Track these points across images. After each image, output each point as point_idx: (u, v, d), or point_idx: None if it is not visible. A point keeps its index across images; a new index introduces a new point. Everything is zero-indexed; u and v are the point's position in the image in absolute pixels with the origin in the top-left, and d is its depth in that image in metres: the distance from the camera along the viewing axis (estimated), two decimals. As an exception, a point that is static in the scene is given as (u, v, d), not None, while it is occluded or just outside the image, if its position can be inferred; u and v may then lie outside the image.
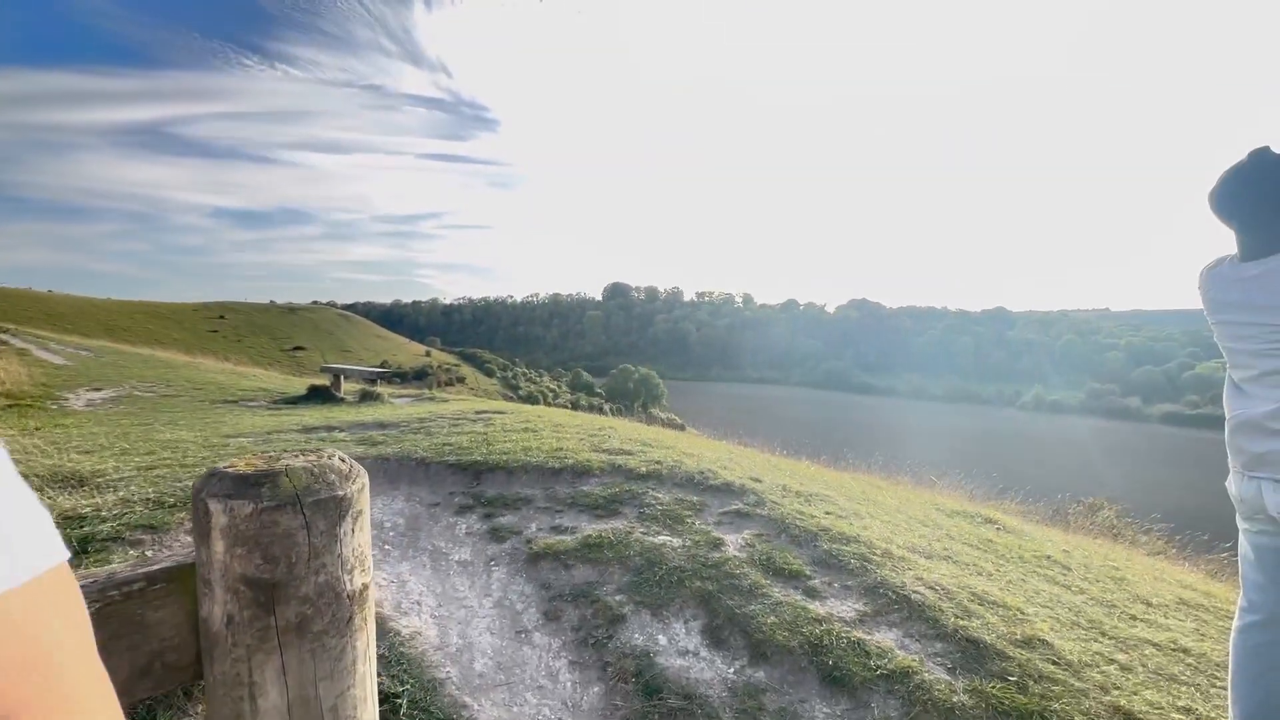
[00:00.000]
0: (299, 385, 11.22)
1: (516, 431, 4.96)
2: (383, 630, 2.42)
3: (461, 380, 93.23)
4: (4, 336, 14.79)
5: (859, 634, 2.40)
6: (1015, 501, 8.94)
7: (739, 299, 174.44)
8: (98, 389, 9.02)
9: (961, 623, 2.44)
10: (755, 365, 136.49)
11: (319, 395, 9.63)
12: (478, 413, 6.18)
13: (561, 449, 4.32)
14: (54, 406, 7.28)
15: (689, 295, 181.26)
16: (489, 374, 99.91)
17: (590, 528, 3.27)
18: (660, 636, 2.53)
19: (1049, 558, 3.76)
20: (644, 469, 3.96)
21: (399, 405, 8.42)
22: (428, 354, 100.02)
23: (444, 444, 4.37)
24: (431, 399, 10.23)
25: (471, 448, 4.26)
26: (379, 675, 2.21)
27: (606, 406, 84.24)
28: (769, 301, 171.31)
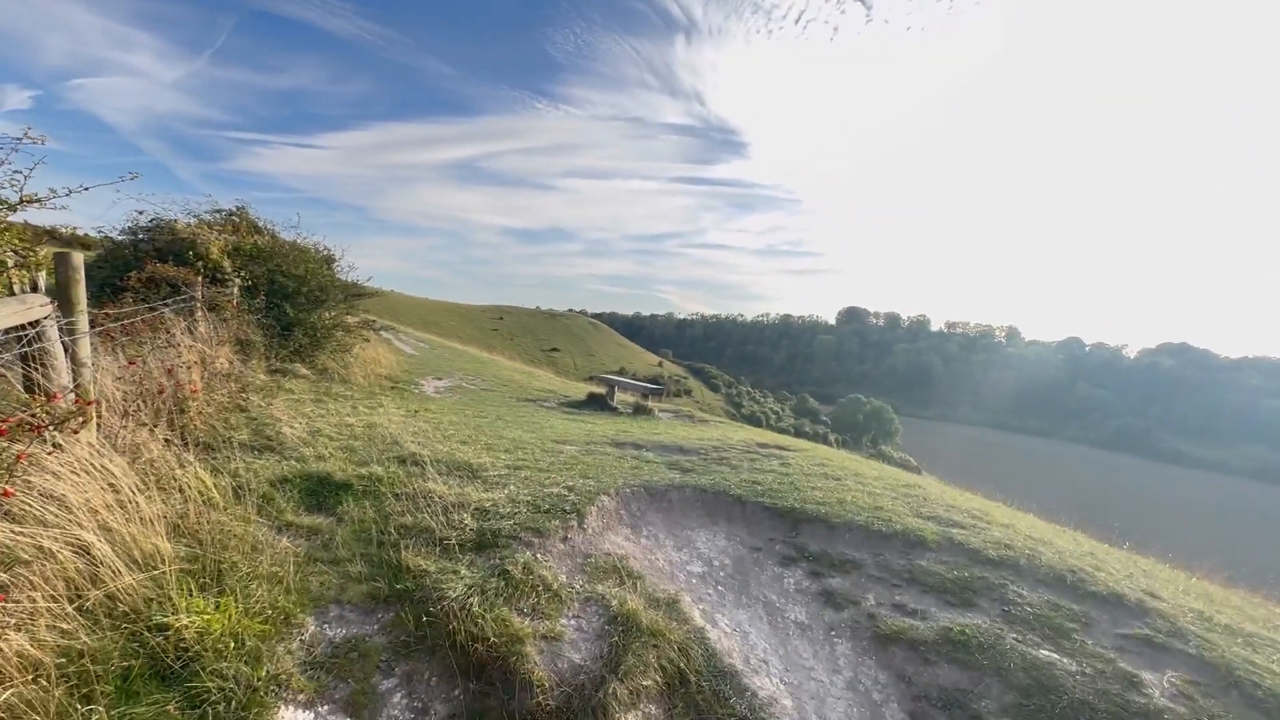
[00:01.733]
0: (576, 390, 12.57)
1: (818, 477, 4.71)
2: (738, 687, 2.35)
3: (689, 393, 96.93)
4: (382, 331, 19.35)
5: None
6: None
7: (1000, 333, 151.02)
8: (439, 378, 11.17)
9: None
10: (1018, 412, 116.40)
11: (596, 402, 10.61)
12: (761, 445, 6.09)
13: (880, 508, 3.94)
14: (415, 390, 9.15)
15: (937, 325, 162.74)
16: (714, 389, 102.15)
17: (945, 617, 2.85)
18: (1081, 795, 2.03)
19: None
20: (993, 552, 3.39)
21: (668, 422, 8.82)
22: (660, 364, 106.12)
23: (752, 481, 4.32)
24: (691, 418, 10.55)
25: (781, 490, 4.13)
26: (749, 740, 2.12)
27: (832, 436, 79.85)
28: (1041, 338, 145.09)
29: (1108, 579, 3.24)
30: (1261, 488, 78.69)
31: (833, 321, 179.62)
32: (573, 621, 2.48)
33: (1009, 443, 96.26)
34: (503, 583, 2.53)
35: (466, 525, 2.99)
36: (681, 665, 2.37)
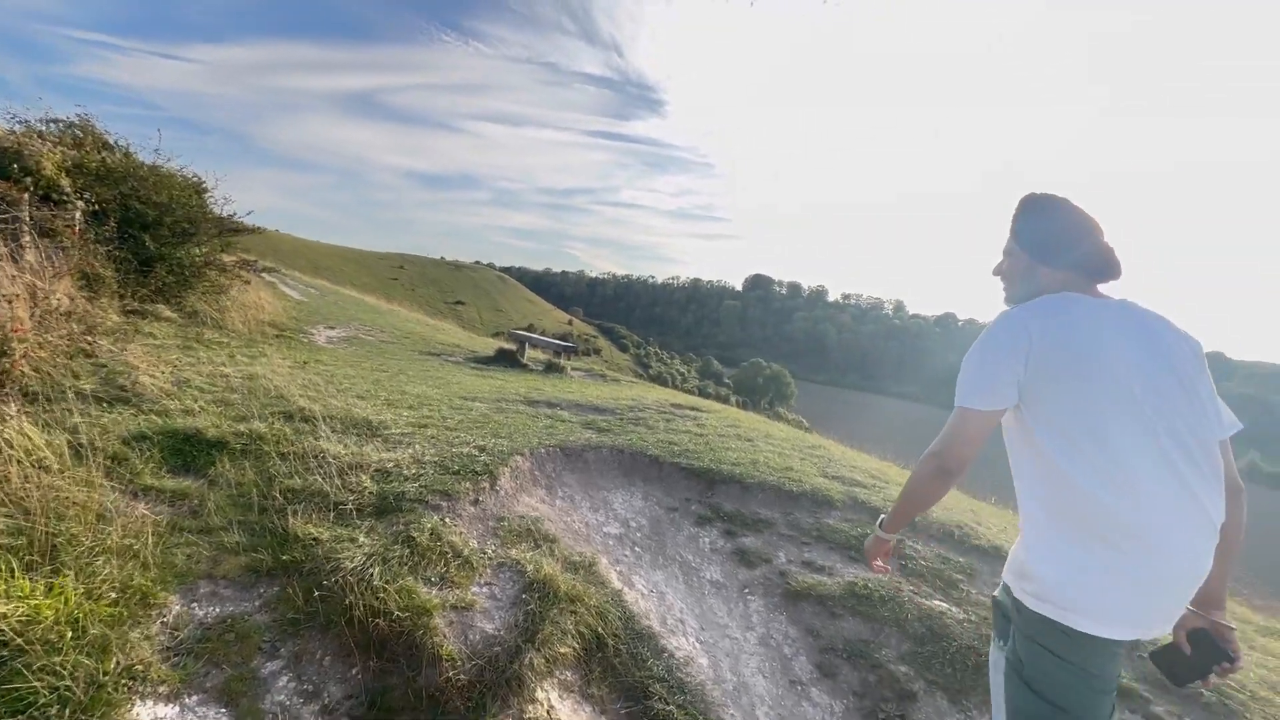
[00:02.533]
0: (484, 345, 12.08)
1: (732, 438, 4.78)
2: (655, 648, 2.33)
3: (598, 352, 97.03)
4: (265, 274, 17.49)
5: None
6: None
7: (889, 305, 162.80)
8: (331, 327, 10.29)
9: None
10: (899, 378, 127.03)
11: (506, 359, 10.25)
12: (676, 406, 6.11)
13: (790, 469, 4.06)
14: (304, 340, 8.36)
15: (834, 296, 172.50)
16: (623, 349, 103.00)
17: (849, 573, 2.98)
18: (967, 732, 2.19)
19: None
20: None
21: (580, 380, 8.69)
22: (570, 323, 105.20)
23: (668, 442, 4.30)
24: (604, 378, 10.48)
25: (697, 451, 4.14)
26: (666, 701, 2.11)
27: (734, 398, 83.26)
28: (923, 312, 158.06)
29: (986, 533, 3.54)
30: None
31: (740, 287, 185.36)
32: (485, 589, 2.34)
33: (891, 409, 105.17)
34: (407, 550, 2.33)
35: (365, 488, 2.72)
36: (599, 630, 2.30)
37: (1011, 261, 1.51)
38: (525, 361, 10.10)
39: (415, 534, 2.42)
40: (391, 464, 3.00)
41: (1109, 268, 1.42)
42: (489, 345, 12.00)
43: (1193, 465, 1.25)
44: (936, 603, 2.78)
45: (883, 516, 1.61)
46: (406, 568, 2.25)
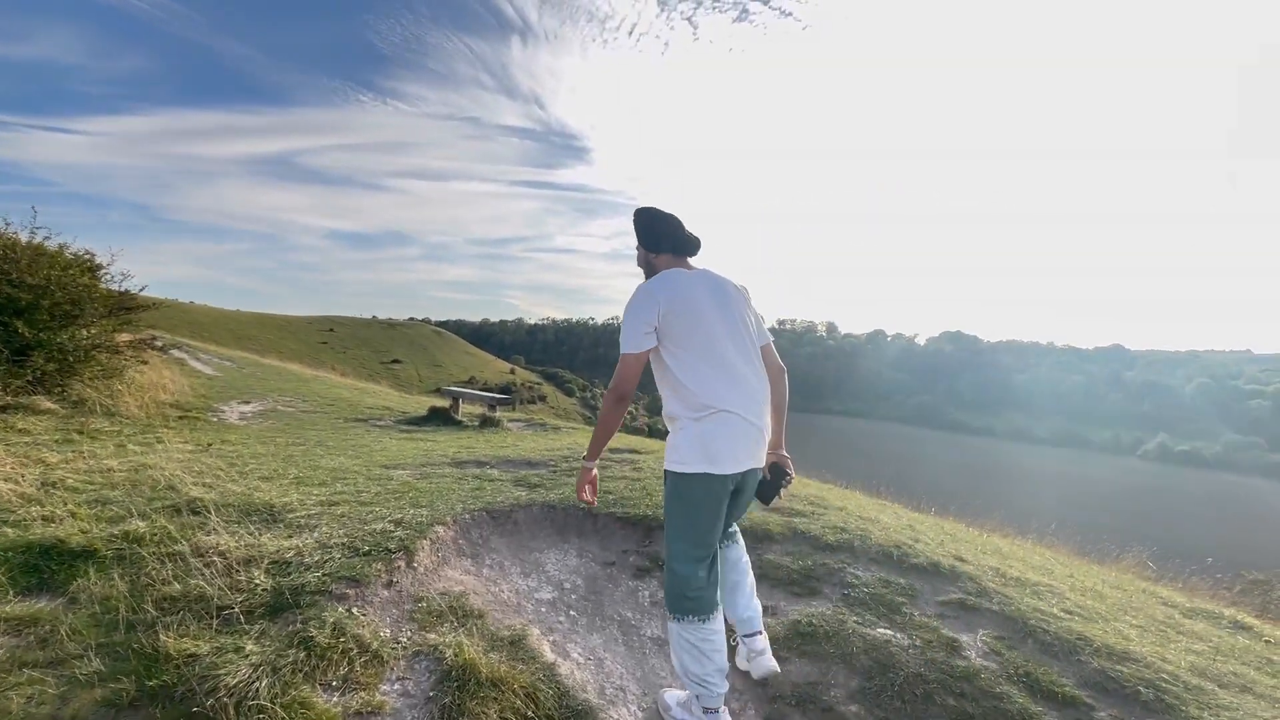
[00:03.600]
0: (417, 405, 11.60)
1: (669, 479, 4.68)
2: (594, 724, 2.15)
3: (543, 399, 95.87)
4: (172, 350, 16.37)
5: (1204, 806, 1.87)
6: (1168, 569, 7.80)
7: (822, 328, 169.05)
8: (246, 401, 9.64)
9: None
10: (839, 396, 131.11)
11: (439, 417, 9.85)
12: (613, 450, 5.96)
13: (729, 505, 3.98)
14: (214, 419, 7.77)
15: (770, 323, 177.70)
16: (569, 393, 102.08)
17: (793, 610, 2.89)
18: (921, 770, 2.10)
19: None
20: (830, 538, 3.55)
21: (518, 433, 8.42)
22: (512, 371, 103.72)
23: (603, 491, 4.14)
24: (544, 426, 10.23)
25: (634, 498, 4.01)
26: (606, 786, 1.93)
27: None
28: (854, 331, 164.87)
29: (925, 549, 3.54)
30: (1018, 446, 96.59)
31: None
32: (397, 686, 2.10)
33: (838, 426, 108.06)
34: (304, 653, 2.07)
35: (258, 585, 2.44)
36: (529, 713, 2.10)
37: (639, 254, 2.35)
38: (460, 418, 9.75)
39: (314, 632, 2.17)
40: (291, 552, 2.72)
41: (689, 247, 2.29)
42: (422, 404, 11.55)
43: (750, 365, 2.13)
44: (881, 631, 2.71)
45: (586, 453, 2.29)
46: (302, 674, 1.99)
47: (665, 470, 2.16)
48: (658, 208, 2.31)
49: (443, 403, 10.46)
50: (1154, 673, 2.49)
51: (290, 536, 2.92)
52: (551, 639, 2.65)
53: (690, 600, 2.07)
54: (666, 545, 2.14)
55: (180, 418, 7.26)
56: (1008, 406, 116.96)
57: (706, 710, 2.11)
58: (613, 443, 6.77)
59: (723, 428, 2.01)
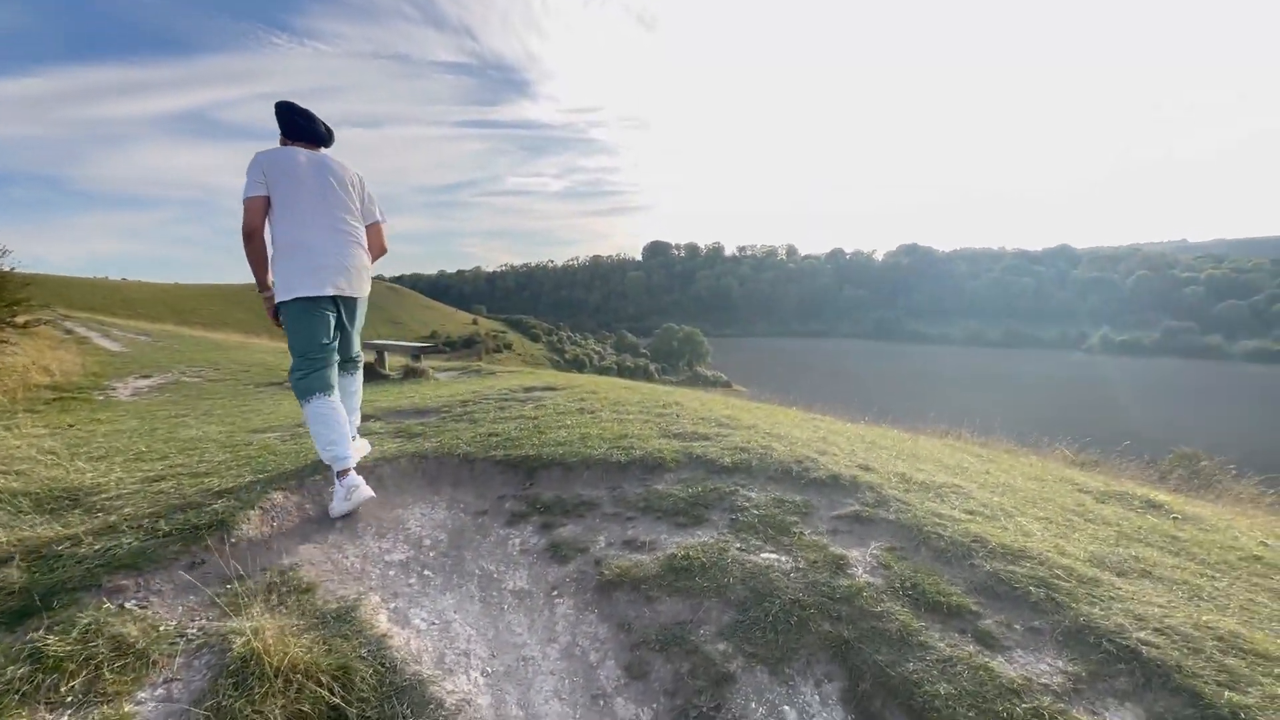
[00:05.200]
0: (344, 363, 10.99)
1: (571, 414, 4.33)
2: (420, 701, 1.85)
3: (509, 347, 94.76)
4: (68, 325, 15.13)
5: (1082, 716, 1.68)
6: (1098, 455, 8.07)
7: (782, 252, 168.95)
8: (146, 376, 8.90)
9: (1234, 697, 1.68)
10: (801, 318, 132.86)
11: (364, 372, 9.31)
12: (527, 390, 5.58)
13: (626, 435, 3.66)
14: (100, 397, 7.10)
15: (730, 250, 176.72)
16: (534, 339, 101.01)
17: (673, 542, 2.62)
18: (786, 708, 1.87)
19: (1260, 559, 2.91)
20: (728, 459, 3.27)
21: (445, 381, 7.97)
22: (474, 322, 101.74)
23: (490, 434, 3.78)
24: (479, 372, 9.78)
25: (521, 438, 3.65)
26: (418, 773, 1.64)
27: (652, 367, 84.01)
28: (814, 252, 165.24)
29: (829, 462, 3.30)
30: (971, 350, 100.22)
31: (640, 258, 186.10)
32: (160, 691, 1.74)
33: (799, 347, 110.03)
34: (28, 669, 1.68)
35: (9, 586, 2.02)
36: (337, 699, 1.78)
37: (280, 140, 2.91)
38: (386, 372, 9.22)
39: (52, 640, 1.77)
40: (66, 543, 2.29)
41: (319, 139, 2.97)
42: (350, 362, 10.93)
43: (334, 221, 2.83)
44: (765, 556, 2.46)
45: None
46: (20, 695, 1.61)
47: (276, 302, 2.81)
48: (295, 103, 2.90)
49: (367, 357, 9.87)
50: (1048, 569, 2.30)
51: (80, 523, 2.48)
52: (393, 606, 2.32)
53: (312, 384, 2.78)
54: (291, 361, 2.85)
55: (55, 399, 6.58)
56: (962, 313, 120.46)
57: (340, 474, 2.76)
58: (531, 381, 6.38)
59: (303, 262, 2.71)
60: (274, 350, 14.46)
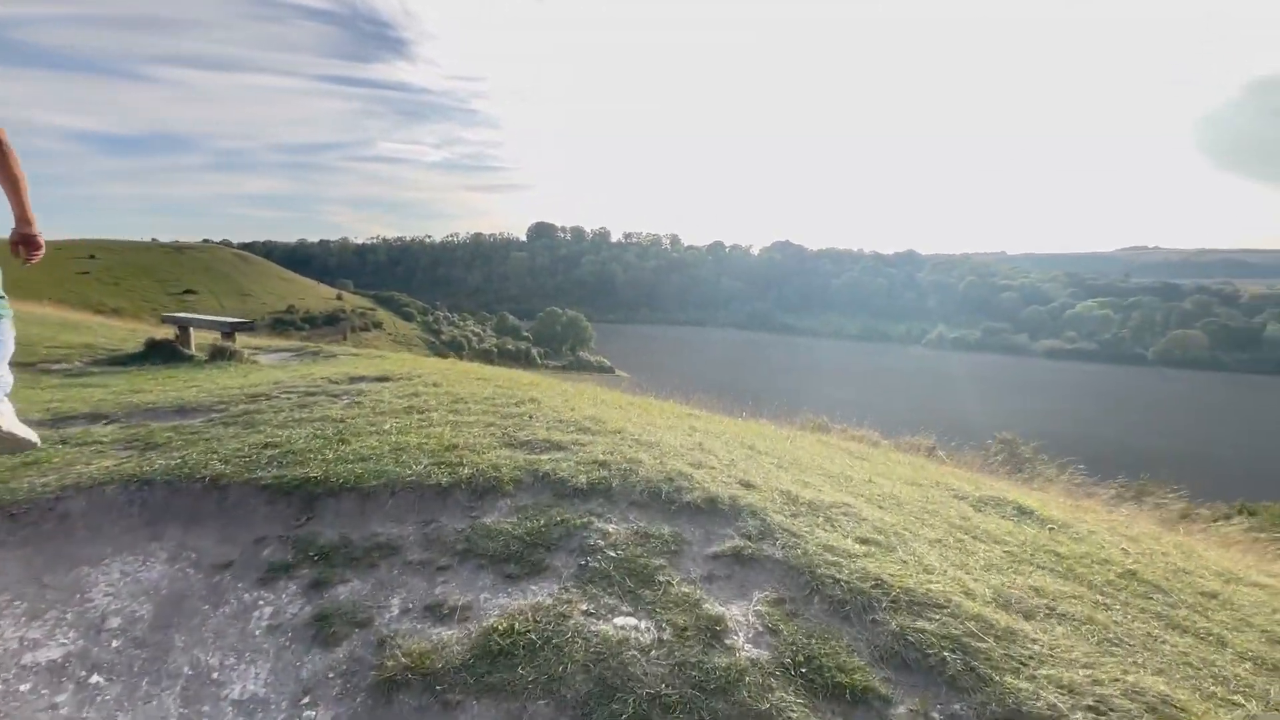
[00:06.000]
0: (138, 341, 8.91)
1: (394, 414, 3.42)
2: None
3: (378, 325, 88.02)
4: None
5: None
6: (931, 439, 8.57)
7: (666, 240, 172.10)
8: None
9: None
10: (683, 306, 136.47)
11: (161, 353, 7.55)
12: (352, 380, 4.54)
13: (456, 446, 2.85)
14: None
15: (616, 236, 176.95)
16: (408, 318, 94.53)
17: (496, 605, 1.89)
18: None
19: (1135, 575, 2.77)
20: (584, 478, 2.59)
21: (262, 366, 6.57)
22: (339, 297, 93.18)
23: (265, 445, 2.79)
24: (316, 355, 8.34)
25: (309, 451, 2.72)
26: None
27: (534, 351, 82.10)
28: (696, 243, 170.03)
29: (706, 478, 2.74)
30: (834, 343, 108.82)
31: (524, 238, 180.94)
32: None
33: (679, 335, 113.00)
34: None
35: None
36: None
37: None
38: (190, 351, 7.53)
39: None
40: None
41: None
42: (149, 337, 8.91)
43: None
44: (620, 622, 1.82)
45: None
46: None
47: None
48: None
49: (166, 332, 8.05)
50: (960, 623, 1.87)
51: None
52: (4, 754, 1.38)
53: None
54: None
55: None
56: (827, 308, 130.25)
57: None
58: (368, 368, 5.32)
59: None
60: (56, 322, 11.65)
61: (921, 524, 2.83)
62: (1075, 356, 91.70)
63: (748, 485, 2.77)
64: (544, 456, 2.80)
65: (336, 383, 4.39)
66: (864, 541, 2.37)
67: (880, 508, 2.92)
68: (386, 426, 3.12)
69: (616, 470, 2.67)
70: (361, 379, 4.58)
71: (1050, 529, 3.27)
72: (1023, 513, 3.55)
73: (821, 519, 2.53)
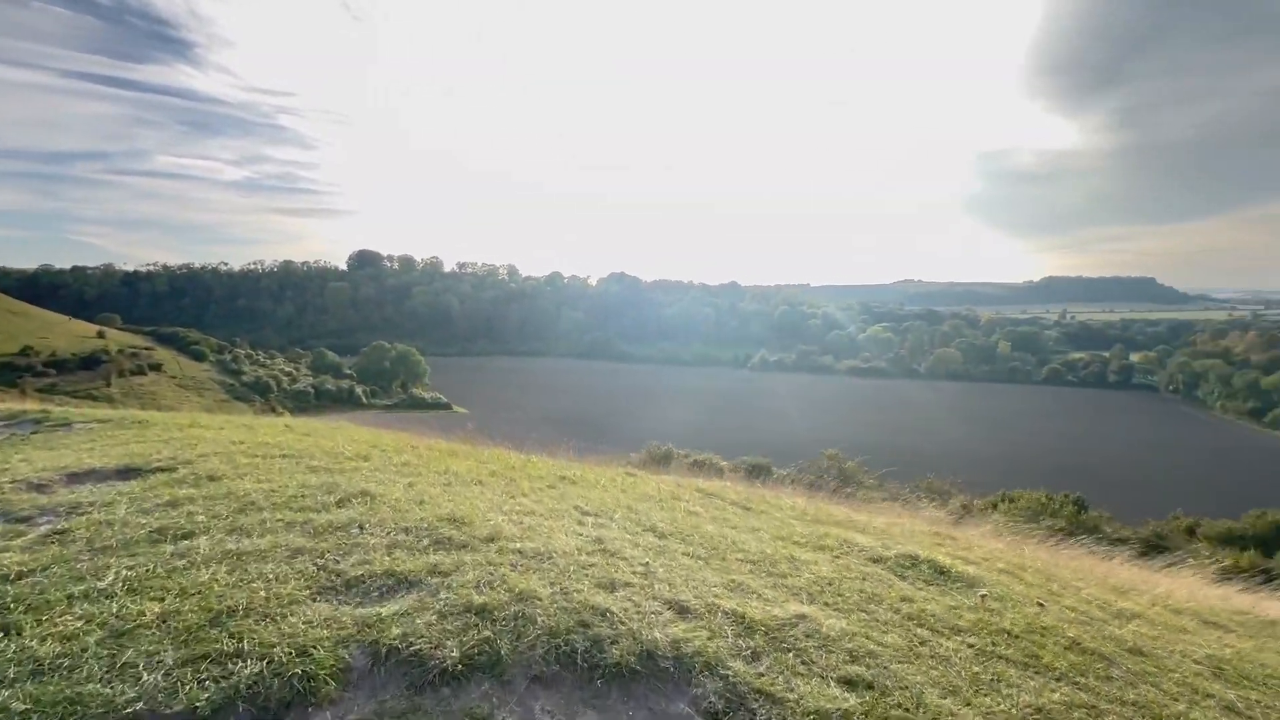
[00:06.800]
0: None
1: (127, 550, 2.15)
2: None
3: (157, 367, 74.04)
4: None
5: None
6: (766, 458, 8.75)
7: (504, 271, 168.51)
8: None
9: None
10: (523, 337, 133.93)
11: None
12: (70, 479, 3.05)
13: (233, 610, 1.75)
14: None
15: (450, 266, 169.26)
16: (198, 358, 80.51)
17: None
18: None
19: (1079, 644, 2.56)
20: (454, 645, 1.65)
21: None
22: (101, 335, 76.84)
23: None
24: (36, 424, 6.11)
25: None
26: None
27: (359, 389, 74.33)
28: (534, 274, 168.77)
29: (627, 609, 1.98)
30: (669, 368, 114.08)
31: (344, 267, 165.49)
32: None
33: (521, 366, 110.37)
34: None
35: None
36: None
37: None
38: None
39: None
40: None
41: None
42: None
43: None
44: None
45: None
46: None
47: None
48: None
49: None
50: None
51: None
52: None
53: None
54: None
55: None
56: (662, 336, 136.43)
57: None
58: (103, 454, 3.75)
59: None
60: None
61: (878, 625, 2.35)
62: (870, 374, 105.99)
63: (682, 610, 2.07)
64: (387, 609, 1.84)
65: (41, 487, 2.89)
66: (849, 684, 1.79)
67: (830, 608, 2.40)
68: (107, 581, 1.91)
69: (503, 621, 1.81)
70: (88, 475, 3.10)
71: (983, 595, 3.02)
72: (940, 573, 3.30)
73: (790, 655, 1.90)
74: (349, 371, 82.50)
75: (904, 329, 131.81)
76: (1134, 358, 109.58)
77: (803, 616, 2.18)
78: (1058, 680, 2.19)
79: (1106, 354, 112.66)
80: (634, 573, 2.33)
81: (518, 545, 2.40)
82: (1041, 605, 3.12)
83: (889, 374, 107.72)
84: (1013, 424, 70.96)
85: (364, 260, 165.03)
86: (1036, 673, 2.22)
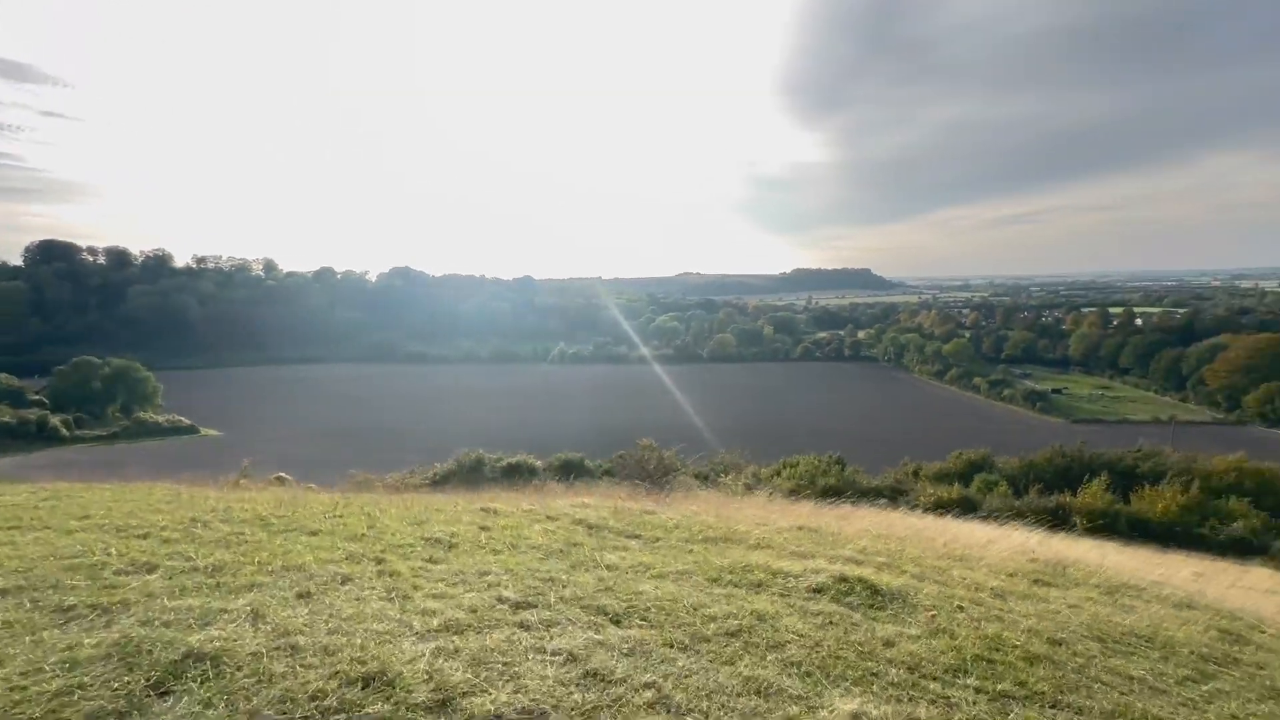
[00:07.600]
0: None
1: None
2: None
3: None
4: None
5: None
6: (579, 453, 8.88)
7: (258, 266, 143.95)
8: None
9: None
10: (290, 343, 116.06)
11: None
12: None
13: None
14: None
15: (184, 260, 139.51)
16: None
17: None
18: None
19: (1038, 657, 2.75)
20: None
21: None
22: None
23: None
24: None
25: None
26: None
27: (55, 419, 57.34)
28: (298, 269, 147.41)
29: None
30: (467, 367, 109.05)
31: (19, 262, 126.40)
32: None
33: (289, 376, 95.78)
34: None
35: None
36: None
37: None
38: None
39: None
40: None
41: None
42: None
43: None
44: None
45: None
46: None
47: None
48: None
49: None
50: None
51: None
52: None
53: None
54: None
55: None
56: (457, 334, 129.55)
57: None
58: None
59: None
60: None
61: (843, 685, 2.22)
62: (661, 360, 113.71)
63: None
64: None
65: None
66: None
67: (861, 694, 2.20)
68: None
69: None
70: None
71: (932, 614, 3.12)
72: (875, 594, 3.38)
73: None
74: (38, 397, 63.31)
75: (687, 318, 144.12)
76: (860, 335, 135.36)
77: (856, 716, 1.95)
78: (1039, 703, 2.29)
79: (841, 332, 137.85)
80: (653, 712, 1.86)
81: (489, 706, 1.75)
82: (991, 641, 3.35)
83: (676, 360, 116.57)
84: (780, 396, 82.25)
85: (51, 253, 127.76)
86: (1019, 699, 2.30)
